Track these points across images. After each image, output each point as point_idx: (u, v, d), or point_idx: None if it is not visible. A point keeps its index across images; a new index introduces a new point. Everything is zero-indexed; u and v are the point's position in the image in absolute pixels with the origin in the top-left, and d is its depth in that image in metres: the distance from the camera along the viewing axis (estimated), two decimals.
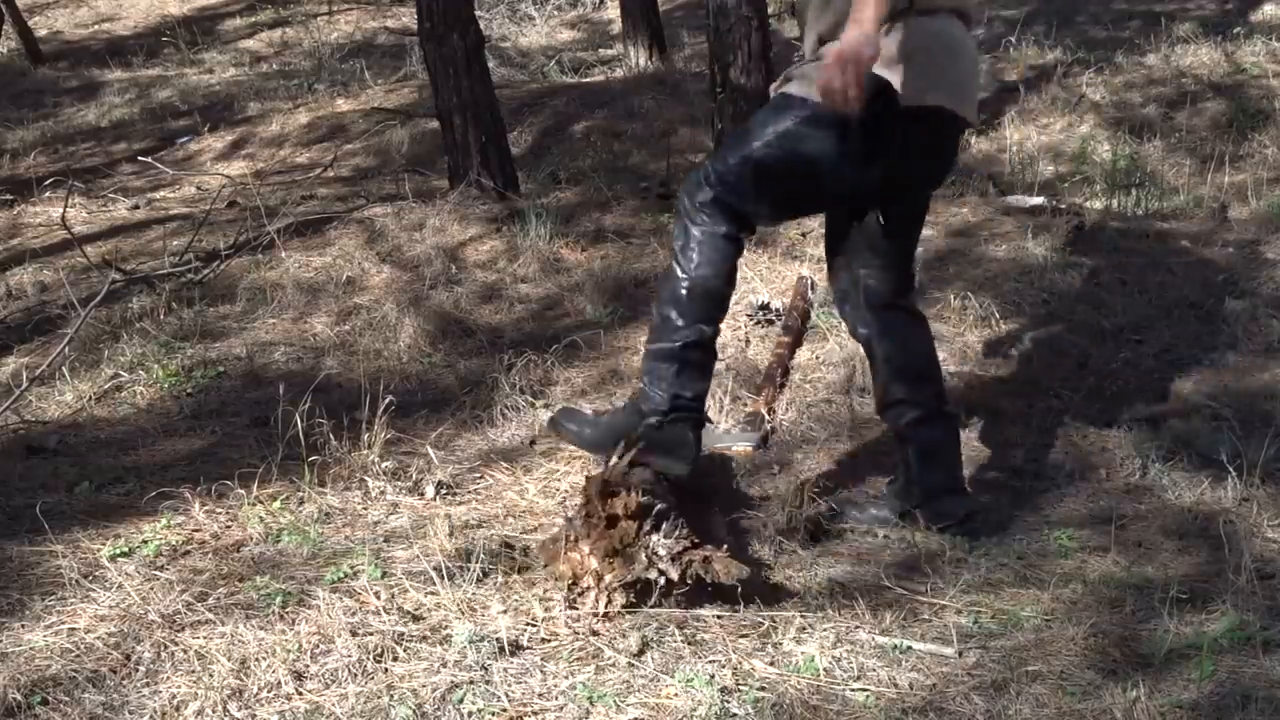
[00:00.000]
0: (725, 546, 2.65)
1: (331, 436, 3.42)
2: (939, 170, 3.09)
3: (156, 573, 2.76)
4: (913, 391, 3.06)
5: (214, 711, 2.29)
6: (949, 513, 3.04)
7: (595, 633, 2.55)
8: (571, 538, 2.67)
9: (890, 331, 3.08)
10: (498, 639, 2.48)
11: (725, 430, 3.55)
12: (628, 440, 2.84)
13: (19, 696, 2.30)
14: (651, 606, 2.61)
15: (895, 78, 2.74)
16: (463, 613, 2.59)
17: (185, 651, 2.45)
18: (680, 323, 2.88)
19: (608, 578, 2.60)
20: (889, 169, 2.87)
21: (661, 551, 2.58)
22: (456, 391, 4.08)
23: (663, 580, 2.58)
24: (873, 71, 2.64)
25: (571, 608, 2.61)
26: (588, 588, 2.62)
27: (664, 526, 2.62)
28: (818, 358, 4.18)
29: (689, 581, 2.59)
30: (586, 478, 2.74)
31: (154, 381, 4.10)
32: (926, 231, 5.14)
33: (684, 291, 2.87)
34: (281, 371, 4.21)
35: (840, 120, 2.72)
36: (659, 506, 2.65)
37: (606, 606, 2.59)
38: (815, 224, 5.18)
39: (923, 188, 3.14)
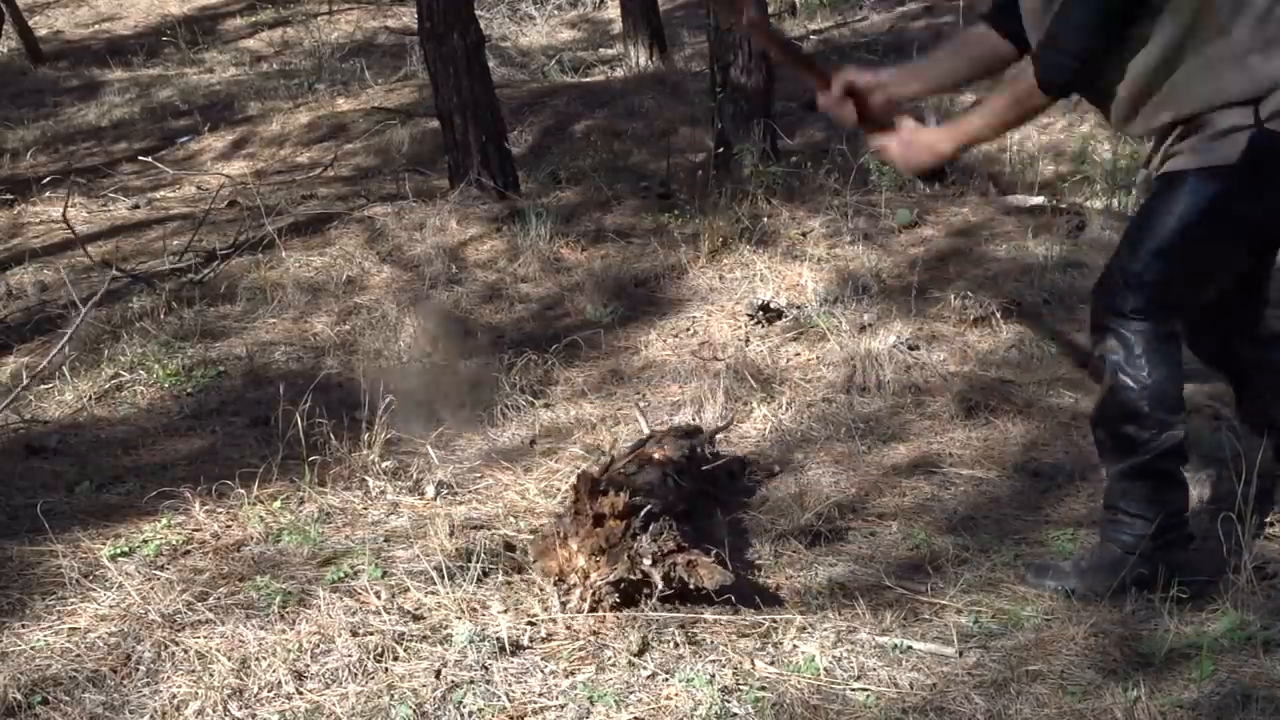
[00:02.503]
0: (715, 552, 2.65)
1: (332, 436, 3.42)
2: None
3: (157, 572, 2.76)
4: None
5: (214, 711, 2.29)
6: None
7: (596, 633, 2.55)
8: (561, 534, 2.68)
9: (1268, 355, 2.89)
10: (498, 639, 2.48)
11: None
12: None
13: (19, 696, 2.30)
14: (641, 609, 2.61)
15: None
16: (463, 612, 2.59)
17: (185, 651, 2.45)
18: (1145, 435, 2.67)
19: (593, 576, 2.60)
20: None
21: (645, 553, 2.58)
22: (457, 391, 4.08)
23: (642, 579, 2.57)
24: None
25: (562, 604, 2.61)
26: (574, 585, 2.63)
27: (651, 528, 2.62)
28: (818, 357, 4.18)
29: (673, 585, 2.58)
30: (578, 475, 2.73)
31: (154, 381, 4.11)
32: (927, 231, 5.16)
33: (1143, 403, 2.65)
34: (282, 371, 4.21)
35: (1251, 179, 2.55)
36: (648, 507, 2.65)
37: (595, 606, 2.59)
38: (816, 224, 5.18)
39: None
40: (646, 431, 3.44)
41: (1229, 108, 2.51)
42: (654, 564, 2.57)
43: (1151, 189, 2.70)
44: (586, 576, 2.61)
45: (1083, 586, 2.71)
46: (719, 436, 3.55)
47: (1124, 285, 2.67)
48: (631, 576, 2.57)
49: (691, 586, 2.59)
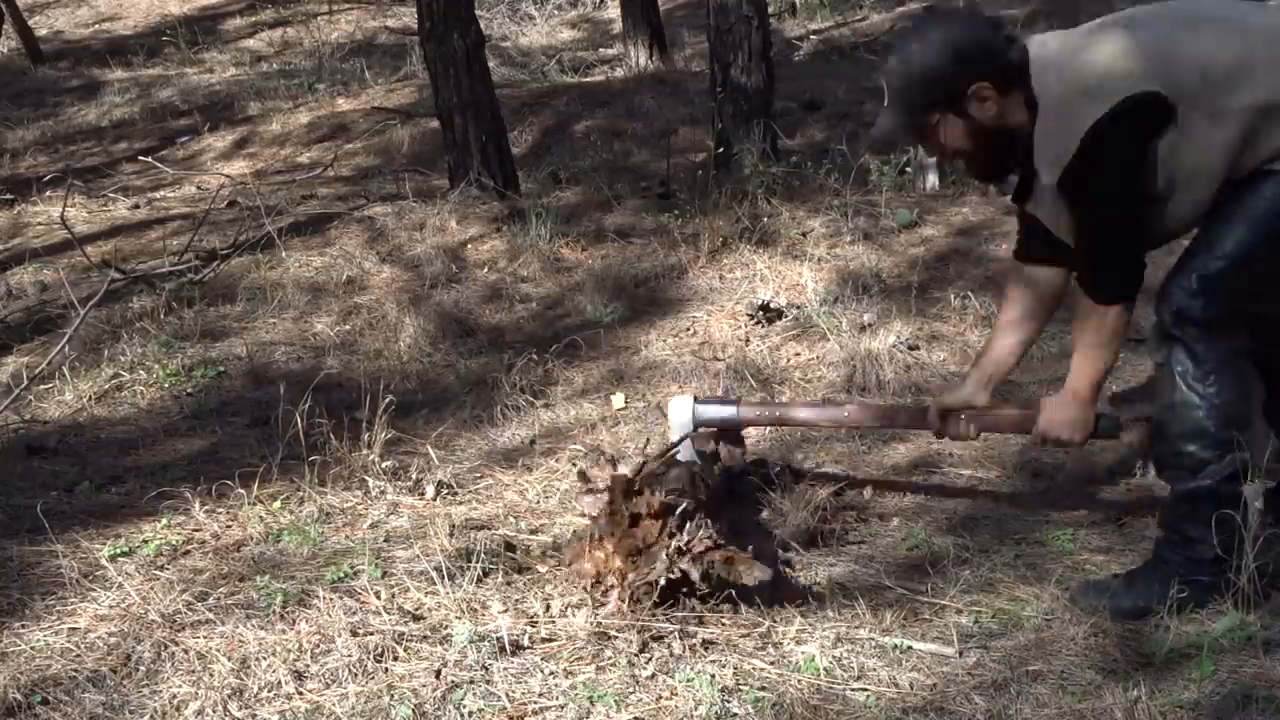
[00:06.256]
0: (751, 548, 2.64)
1: (332, 436, 3.42)
2: None
3: (157, 573, 2.76)
4: None
5: (214, 711, 2.29)
6: None
7: (596, 633, 2.55)
8: (596, 536, 2.67)
9: None
10: (498, 639, 2.47)
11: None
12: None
13: (19, 696, 2.30)
14: (677, 608, 2.60)
15: None
16: (463, 613, 2.58)
17: (185, 651, 2.44)
18: (1209, 455, 2.54)
19: (630, 576, 2.59)
20: None
21: (682, 551, 2.58)
22: (457, 391, 4.08)
23: (681, 577, 2.56)
24: None
25: (599, 606, 2.61)
26: (611, 586, 2.62)
27: (687, 526, 2.61)
28: (818, 357, 4.18)
29: (710, 582, 2.58)
30: (612, 477, 2.71)
31: (154, 381, 4.11)
32: (927, 231, 5.16)
33: (1210, 422, 2.53)
34: (282, 371, 4.21)
35: None
36: (683, 506, 2.65)
37: (632, 606, 2.59)
38: (817, 224, 5.18)
39: None
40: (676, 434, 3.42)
41: None
42: (692, 562, 2.56)
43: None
44: (624, 577, 2.60)
45: (1129, 604, 2.61)
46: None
47: (1199, 290, 2.52)
48: (671, 575, 2.56)
49: (731, 582, 2.58)
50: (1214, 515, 2.55)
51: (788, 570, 2.87)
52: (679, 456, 2.96)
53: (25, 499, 3.22)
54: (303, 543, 2.94)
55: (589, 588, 2.64)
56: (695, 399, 3.18)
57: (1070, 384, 2.78)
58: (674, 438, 3.04)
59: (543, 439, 3.71)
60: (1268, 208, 2.51)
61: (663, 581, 2.56)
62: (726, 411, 3.18)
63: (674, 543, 2.58)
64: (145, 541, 2.94)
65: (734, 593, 2.64)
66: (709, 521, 2.65)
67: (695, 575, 2.56)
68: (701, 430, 3.16)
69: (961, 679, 2.42)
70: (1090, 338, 2.68)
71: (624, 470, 2.78)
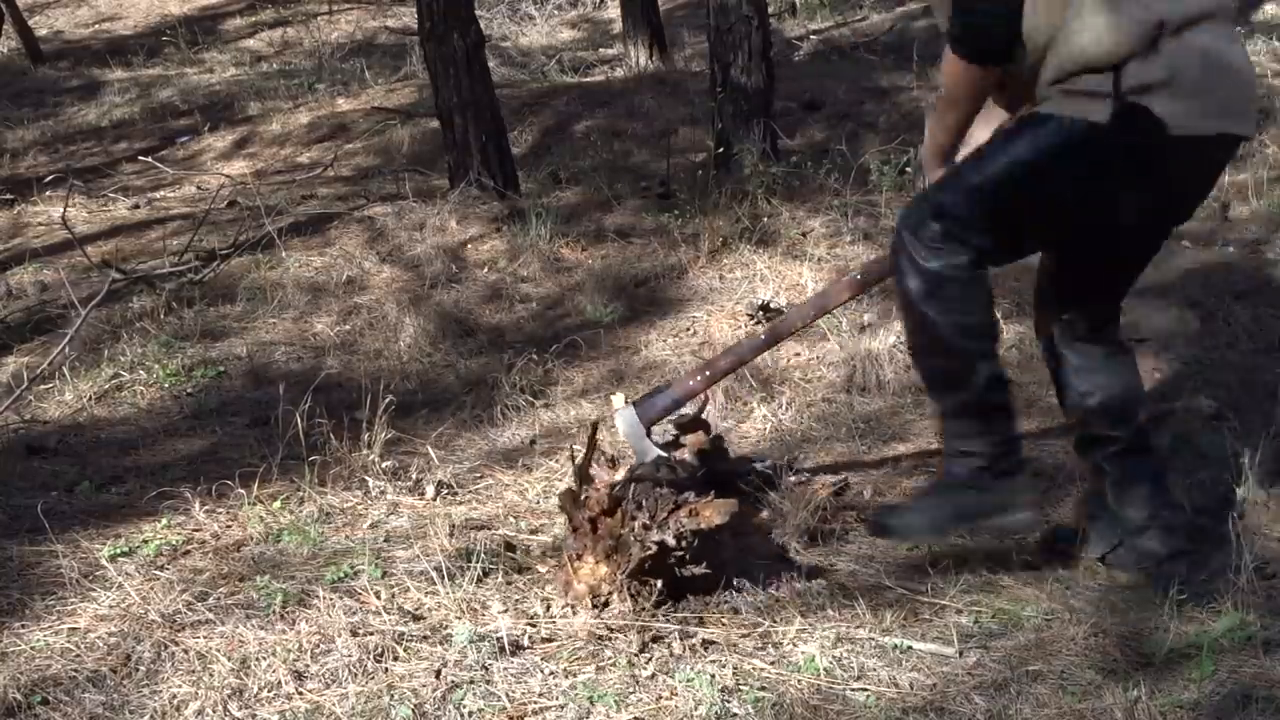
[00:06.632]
0: (711, 491, 2.64)
1: (332, 436, 3.42)
2: (1198, 201, 2.73)
3: (157, 573, 2.76)
4: (1114, 427, 2.82)
5: (214, 711, 2.29)
6: (1151, 552, 2.80)
7: (596, 633, 2.55)
8: (574, 555, 2.67)
9: (1091, 366, 2.83)
10: (498, 639, 2.48)
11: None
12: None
13: (19, 696, 2.30)
14: (679, 603, 2.61)
15: (1160, 105, 2.43)
16: (463, 613, 2.59)
17: (185, 651, 2.45)
18: (960, 368, 2.61)
19: (619, 575, 2.60)
20: (1146, 203, 2.57)
21: (647, 526, 2.57)
22: (457, 391, 4.08)
23: (658, 549, 2.55)
24: (1136, 101, 2.42)
25: (603, 612, 2.61)
26: (609, 593, 2.62)
27: (645, 503, 2.61)
28: (818, 357, 4.18)
29: (686, 539, 2.56)
30: (558, 495, 2.71)
31: (154, 381, 4.11)
32: None
33: (954, 338, 2.58)
34: (282, 371, 4.21)
35: (1096, 151, 2.47)
36: (632, 488, 2.63)
37: (635, 605, 2.58)
38: (817, 224, 5.19)
39: (1176, 221, 2.77)
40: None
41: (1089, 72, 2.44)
42: (660, 529, 2.55)
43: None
44: (614, 579, 2.61)
45: (927, 523, 2.71)
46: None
47: (928, 214, 2.57)
48: (648, 551, 2.55)
49: (705, 529, 2.57)
50: (979, 425, 2.63)
51: (788, 570, 2.88)
52: (643, 458, 2.95)
53: (25, 499, 3.22)
54: (303, 543, 2.94)
55: (589, 604, 2.64)
56: (629, 403, 3.09)
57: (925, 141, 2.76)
58: (635, 450, 3.01)
59: (543, 439, 3.71)
60: (1017, 153, 2.51)
61: (648, 564, 2.55)
62: (664, 399, 3.09)
63: (637, 523, 2.58)
64: (145, 541, 2.94)
65: (734, 592, 2.65)
66: (661, 488, 2.63)
67: (670, 540, 2.54)
68: (661, 439, 3.12)
69: (961, 679, 2.42)
70: (945, 93, 2.62)
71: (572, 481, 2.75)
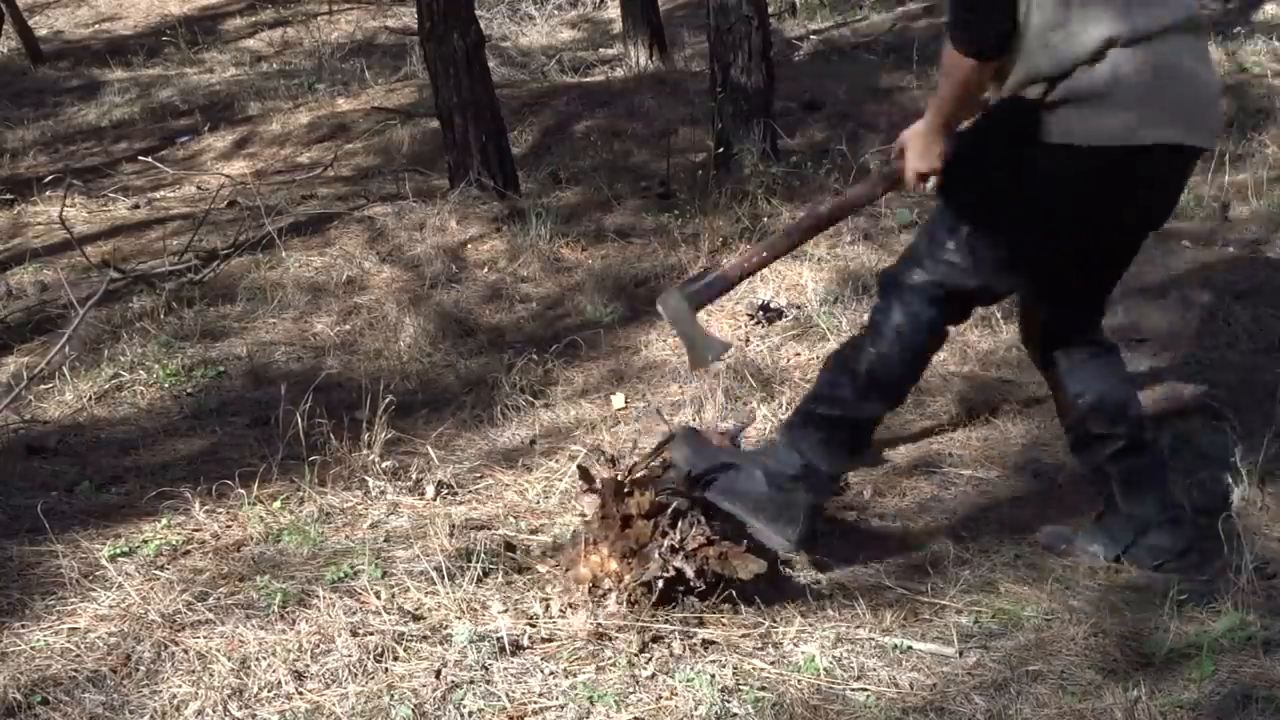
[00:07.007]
0: (745, 541, 2.65)
1: (332, 436, 3.42)
2: (1163, 210, 2.74)
3: (156, 573, 2.76)
4: (1114, 425, 2.85)
5: (214, 711, 2.29)
6: (1164, 548, 2.84)
7: (596, 633, 2.55)
8: (591, 540, 2.67)
9: (1080, 367, 2.88)
10: (498, 639, 2.48)
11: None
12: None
13: (19, 696, 2.30)
14: (675, 608, 2.60)
15: (1090, 117, 2.47)
16: (463, 613, 2.59)
17: (185, 651, 2.45)
18: (850, 395, 2.71)
19: (627, 578, 2.59)
20: (1113, 216, 2.63)
21: (675, 549, 2.58)
22: (457, 391, 4.08)
23: (676, 575, 2.57)
24: (1061, 110, 2.48)
25: (599, 606, 2.60)
26: (609, 589, 2.62)
27: (680, 525, 2.61)
28: (819, 357, 4.18)
29: (706, 578, 2.58)
30: (601, 480, 2.71)
31: (154, 381, 4.11)
32: None
33: (865, 368, 2.70)
34: (282, 371, 4.21)
35: (1048, 175, 2.53)
36: (675, 504, 2.65)
37: (631, 607, 2.59)
38: None
39: (1146, 229, 2.79)
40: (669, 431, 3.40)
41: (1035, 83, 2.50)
42: (686, 559, 2.57)
43: None
44: (620, 580, 2.61)
45: (698, 462, 2.73)
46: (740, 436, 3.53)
47: (913, 261, 2.70)
48: (666, 574, 2.56)
49: (727, 577, 2.58)
50: (826, 443, 2.74)
51: (788, 570, 2.88)
52: (675, 459, 2.94)
53: (25, 499, 3.22)
54: (303, 543, 2.94)
55: (587, 592, 2.64)
56: (678, 290, 3.00)
57: (921, 124, 2.75)
58: (683, 340, 2.99)
59: (543, 439, 3.71)
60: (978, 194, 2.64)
61: (660, 583, 2.56)
62: (711, 282, 2.98)
63: (667, 541, 2.58)
64: (145, 541, 2.94)
65: (734, 592, 2.64)
66: (703, 519, 2.65)
67: (690, 572, 2.56)
68: (691, 429, 3.09)
69: (961, 679, 2.42)
70: (944, 89, 2.63)
71: (618, 471, 2.78)
